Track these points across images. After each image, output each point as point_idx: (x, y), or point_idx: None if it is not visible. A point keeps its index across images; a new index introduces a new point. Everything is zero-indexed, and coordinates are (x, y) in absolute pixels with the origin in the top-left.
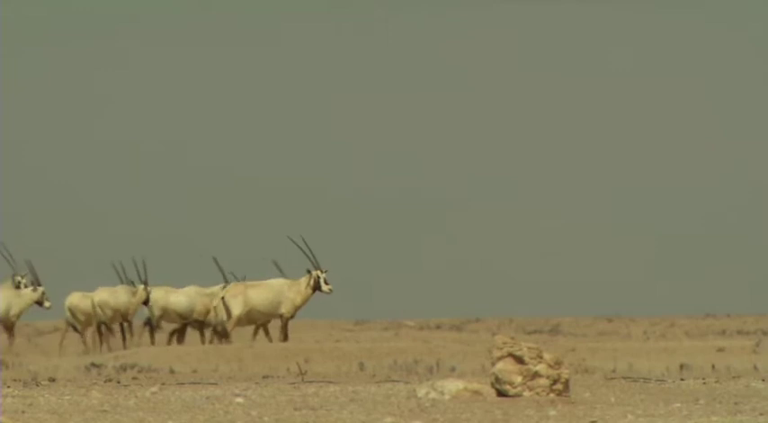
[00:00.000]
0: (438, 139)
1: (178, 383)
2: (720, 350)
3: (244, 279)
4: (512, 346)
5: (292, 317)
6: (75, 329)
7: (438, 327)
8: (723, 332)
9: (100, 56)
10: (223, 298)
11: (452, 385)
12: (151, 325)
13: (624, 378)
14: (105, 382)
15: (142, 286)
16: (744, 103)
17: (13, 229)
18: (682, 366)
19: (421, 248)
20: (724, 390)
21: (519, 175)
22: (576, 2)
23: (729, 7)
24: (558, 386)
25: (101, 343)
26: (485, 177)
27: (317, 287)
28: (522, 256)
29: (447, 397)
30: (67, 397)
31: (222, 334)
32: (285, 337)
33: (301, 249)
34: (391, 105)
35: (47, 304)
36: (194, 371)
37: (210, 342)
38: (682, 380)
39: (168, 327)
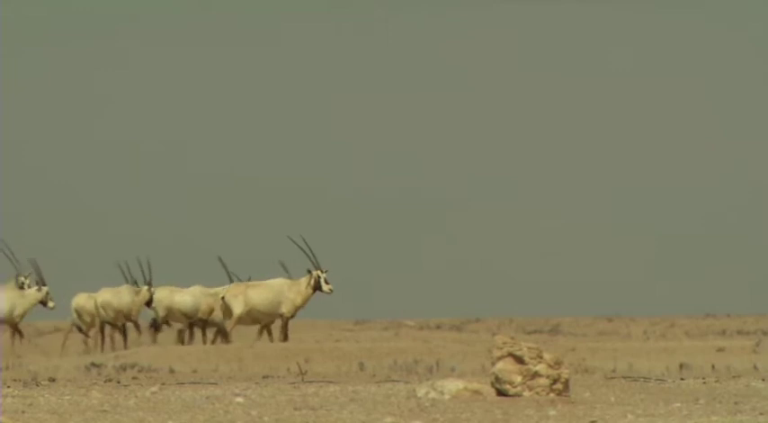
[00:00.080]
0: (438, 139)
1: (178, 383)
2: (720, 350)
3: (249, 279)
4: (512, 346)
5: (293, 317)
6: (81, 330)
7: (438, 327)
8: (723, 332)
9: (100, 56)
10: (223, 298)
11: (452, 385)
12: (156, 325)
13: (624, 378)
14: (105, 382)
15: (146, 287)
16: (744, 103)
17: (13, 229)
18: (682, 366)
19: (421, 248)
20: (724, 389)
21: (519, 175)
22: (576, 2)
23: (729, 7)
24: (558, 386)
25: (102, 343)
26: (485, 177)
27: (317, 287)
28: (522, 256)
29: (447, 397)
30: (67, 397)
31: (220, 334)
32: (285, 337)
33: (301, 249)
34: (391, 105)
35: (51, 304)
36: (194, 371)
37: (213, 342)
38: (682, 380)
39: (176, 326)
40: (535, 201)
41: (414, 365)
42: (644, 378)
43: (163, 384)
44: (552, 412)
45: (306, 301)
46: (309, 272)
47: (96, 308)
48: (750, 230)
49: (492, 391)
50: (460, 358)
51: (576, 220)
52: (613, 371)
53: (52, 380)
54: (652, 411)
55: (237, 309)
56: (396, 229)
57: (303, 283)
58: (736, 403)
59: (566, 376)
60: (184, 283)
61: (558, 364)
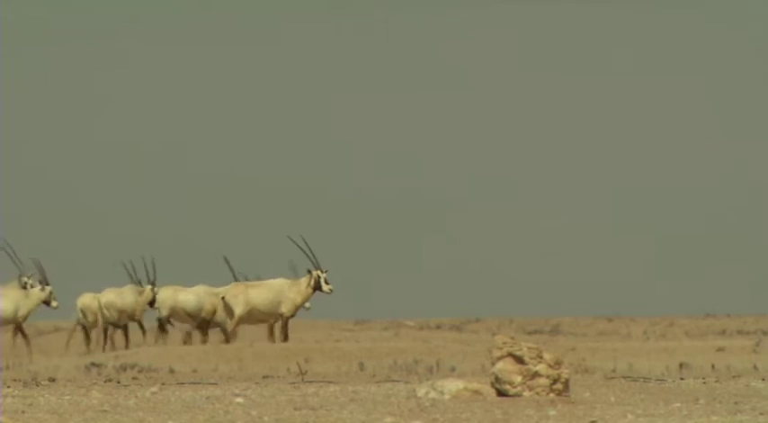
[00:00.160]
0: (438, 139)
1: (178, 383)
2: (720, 350)
3: (259, 279)
4: (512, 346)
5: (293, 316)
6: (85, 330)
7: (438, 327)
8: (723, 332)
9: (100, 56)
10: (224, 298)
11: (452, 385)
12: (161, 325)
13: (624, 378)
14: (105, 382)
15: (149, 286)
16: (744, 103)
17: (14, 229)
18: (682, 366)
19: (421, 248)
20: (724, 389)
21: (519, 175)
22: (576, 2)
23: (729, 7)
24: (558, 386)
25: (105, 344)
26: (485, 177)
27: (317, 287)
28: (522, 256)
29: (447, 397)
30: (67, 397)
31: (224, 334)
32: (285, 337)
33: (301, 249)
34: (391, 105)
35: (54, 304)
36: (194, 371)
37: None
38: (682, 379)
39: (178, 326)
40: (535, 201)
41: (414, 365)
42: (644, 378)
43: (163, 384)
44: (552, 412)
45: (306, 300)
46: (309, 272)
47: (100, 308)
48: (750, 230)
49: (492, 391)
50: (460, 358)
51: (576, 220)
52: (613, 371)
53: (52, 380)
54: (652, 411)
55: (238, 309)
56: (396, 229)
57: (303, 283)
58: (736, 403)
59: (566, 376)
60: (190, 282)
61: (558, 364)
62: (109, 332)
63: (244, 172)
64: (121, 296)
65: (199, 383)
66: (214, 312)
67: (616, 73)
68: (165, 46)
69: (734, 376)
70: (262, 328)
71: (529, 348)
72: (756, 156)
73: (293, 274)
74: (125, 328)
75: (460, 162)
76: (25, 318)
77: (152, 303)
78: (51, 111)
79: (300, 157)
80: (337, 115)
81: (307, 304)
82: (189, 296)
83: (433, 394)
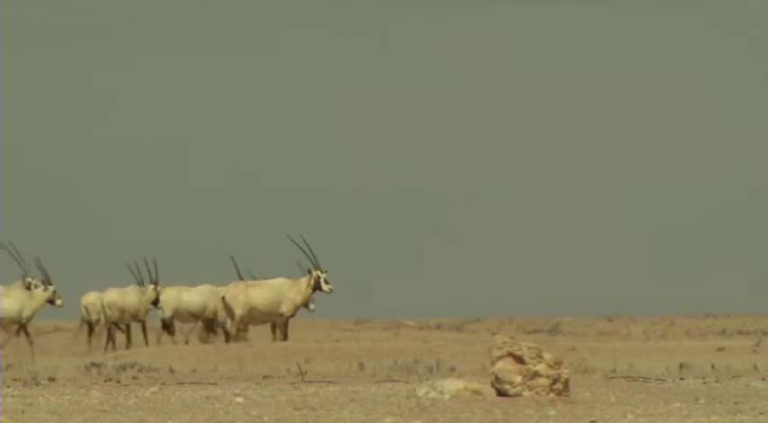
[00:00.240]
0: (438, 139)
1: (178, 383)
2: (720, 350)
3: (266, 279)
4: (512, 346)
5: (293, 316)
6: (90, 327)
7: (438, 327)
8: (723, 332)
9: (100, 56)
10: (224, 298)
11: (452, 385)
12: (165, 326)
13: (624, 378)
14: (105, 381)
15: (152, 286)
16: (744, 103)
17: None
18: (682, 366)
19: (421, 248)
20: (724, 389)
21: (519, 175)
22: (576, 2)
23: (729, 7)
24: (558, 386)
25: (107, 343)
26: (485, 177)
27: (317, 287)
28: (522, 256)
29: (447, 397)
30: (67, 397)
31: (225, 334)
32: (285, 337)
33: (301, 249)
34: (391, 105)
35: (58, 302)
36: (194, 371)
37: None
38: (682, 379)
39: (182, 326)
40: (535, 201)
41: (414, 365)
42: (644, 378)
43: (163, 384)
44: (552, 412)
45: (306, 300)
46: (309, 272)
47: (103, 308)
48: (750, 230)
49: (492, 391)
50: (460, 358)
51: (576, 220)
52: (613, 371)
53: (52, 380)
54: (652, 411)
55: (238, 309)
56: (396, 229)
57: (303, 283)
58: (736, 403)
59: (566, 376)
60: (192, 282)
61: (557, 364)
62: (111, 332)
63: (244, 172)
64: (124, 296)
65: (199, 383)
66: (217, 312)
67: (616, 73)
68: (165, 46)
69: (734, 376)
70: (262, 328)
71: (529, 348)
72: (756, 156)
73: (302, 274)
74: (127, 329)
75: (460, 162)
76: (29, 318)
77: (155, 303)
78: (51, 111)
79: (300, 157)
80: (337, 115)
81: (312, 306)
82: (193, 296)
83: (433, 394)
